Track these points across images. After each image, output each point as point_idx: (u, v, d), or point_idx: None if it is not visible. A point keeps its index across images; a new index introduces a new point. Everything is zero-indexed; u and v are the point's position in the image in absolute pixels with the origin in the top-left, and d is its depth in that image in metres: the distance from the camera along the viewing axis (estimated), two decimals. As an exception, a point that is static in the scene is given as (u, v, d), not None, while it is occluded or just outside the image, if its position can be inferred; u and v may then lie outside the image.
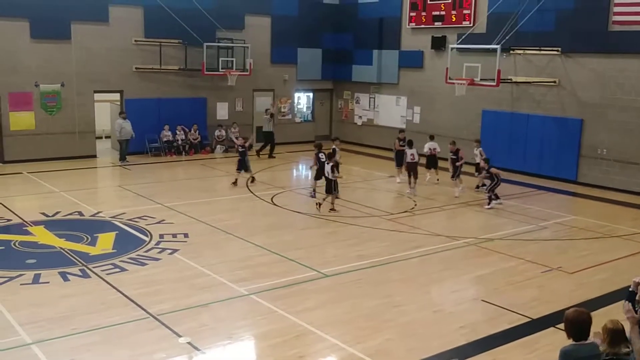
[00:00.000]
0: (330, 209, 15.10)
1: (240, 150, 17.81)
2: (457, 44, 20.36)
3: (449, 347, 8.23)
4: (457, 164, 17.48)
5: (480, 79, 18.95)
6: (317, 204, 15.35)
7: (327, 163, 15.43)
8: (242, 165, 17.75)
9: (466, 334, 8.67)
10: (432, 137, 19.24)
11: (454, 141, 18.30)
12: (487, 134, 21.61)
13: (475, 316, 9.37)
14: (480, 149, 17.82)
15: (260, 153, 22.93)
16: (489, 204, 16.07)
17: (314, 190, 16.77)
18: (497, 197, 16.18)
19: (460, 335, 8.61)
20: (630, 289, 5.86)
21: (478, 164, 17.30)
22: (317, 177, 16.67)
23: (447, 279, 11.09)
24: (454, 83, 19.67)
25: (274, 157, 22.94)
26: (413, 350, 8.13)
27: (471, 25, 21.42)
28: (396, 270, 11.32)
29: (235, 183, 17.77)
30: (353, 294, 10.09)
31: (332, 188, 15.20)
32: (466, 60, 19.68)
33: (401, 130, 20.45)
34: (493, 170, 16.07)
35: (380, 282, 10.66)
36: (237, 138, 19.50)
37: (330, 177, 15.18)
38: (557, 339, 7.91)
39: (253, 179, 18.16)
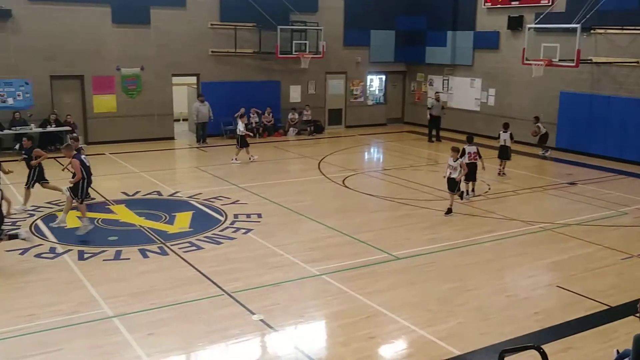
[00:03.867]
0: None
1: (23, 156, 13.66)
2: (535, 24, 19.73)
3: (522, 332, 8.09)
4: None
5: (559, 60, 18.33)
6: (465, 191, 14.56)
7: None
8: (36, 175, 13.47)
9: (540, 320, 8.49)
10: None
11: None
12: (564, 117, 20.91)
13: (550, 302, 9.15)
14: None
15: (432, 138, 23.05)
16: None
17: (466, 192, 14.66)
18: None
19: (535, 321, 8.44)
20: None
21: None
22: (469, 177, 14.58)
23: (521, 264, 10.85)
24: (531, 64, 19.12)
25: (441, 141, 22.87)
26: (485, 335, 8.04)
27: (550, 4, 20.64)
28: (469, 254, 11.17)
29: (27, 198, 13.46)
30: (424, 277, 10.05)
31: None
32: (544, 40, 19.06)
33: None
34: None
35: (452, 266, 10.55)
36: (25, 140, 13.97)
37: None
38: (637, 328, 7.63)
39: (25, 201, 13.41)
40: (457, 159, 13.45)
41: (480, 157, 14.81)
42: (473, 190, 15.03)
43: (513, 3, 22.12)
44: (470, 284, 9.79)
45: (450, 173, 13.41)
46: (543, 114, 21.40)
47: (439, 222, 13.03)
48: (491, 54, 23.35)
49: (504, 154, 17.32)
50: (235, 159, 18.75)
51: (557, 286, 9.71)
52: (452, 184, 13.46)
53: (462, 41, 24.38)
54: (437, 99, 23.41)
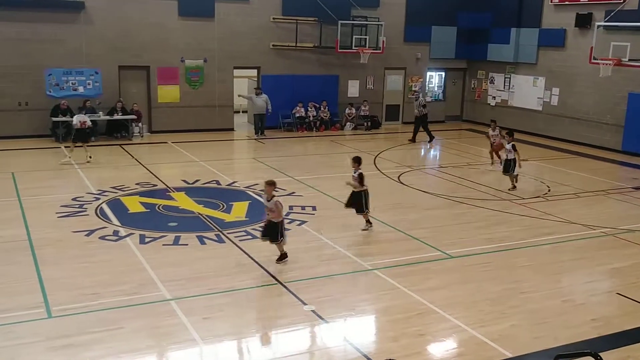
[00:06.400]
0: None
1: None
2: (605, 22, 19.12)
3: (578, 338, 7.91)
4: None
5: (629, 60, 17.73)
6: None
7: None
8: None
9: (598, 327, 8.29)
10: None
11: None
12: (634, 119, 20.19)
13: (610, 309, 8.91)
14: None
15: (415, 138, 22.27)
16: None
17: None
18: None
19: (592, 328, 8.25)
20: None
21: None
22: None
23: (580, 268, 10.60)
24: (598, 63, 18.56)
25: (415, 142, 21.94)
26: (540, 339, 7.90)
27: (621, 1, 19.97)
28: (525, 256, 10.98)
29: None
30: (478, 277, 9.94)
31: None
32: (614, 39, 18.47)
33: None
34: None
35: (507, 267, 10.40)
36: None
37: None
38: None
39: None
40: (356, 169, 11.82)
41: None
42: None
43: (582, 0, 21.49)
44: (525, 286, 9.63)
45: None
46: (609, 115, 20.77)
47: (495, 222, 12.84)
48: (557, 52, 22.76)
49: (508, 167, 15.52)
50: (69, 156, 16.67)
51: (617, 293, 9.45)
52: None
53: (527, 38, 23.84)
54: (416, 98, 22.59)
